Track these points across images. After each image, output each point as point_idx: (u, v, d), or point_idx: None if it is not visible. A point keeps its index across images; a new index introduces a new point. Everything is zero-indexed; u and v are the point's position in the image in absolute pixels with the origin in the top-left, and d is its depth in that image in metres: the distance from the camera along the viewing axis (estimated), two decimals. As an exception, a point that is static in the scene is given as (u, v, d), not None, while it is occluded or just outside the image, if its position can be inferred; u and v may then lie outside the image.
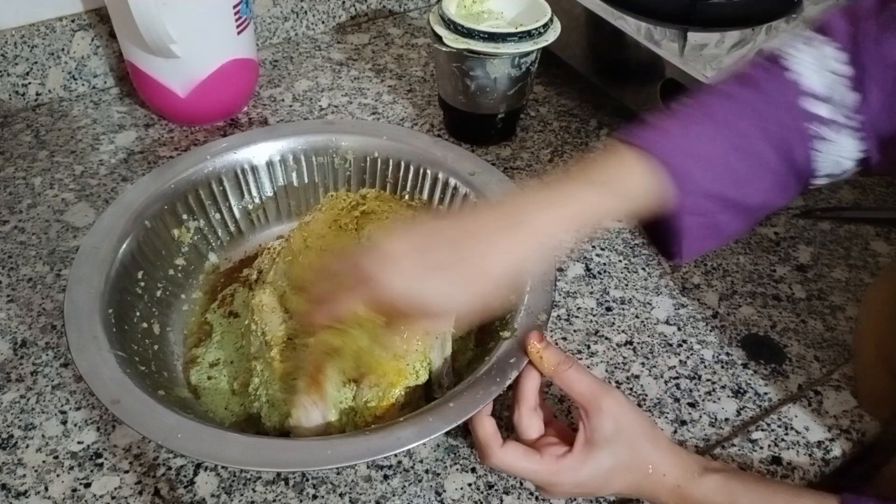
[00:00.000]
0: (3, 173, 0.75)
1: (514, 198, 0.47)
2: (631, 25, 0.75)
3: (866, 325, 0.58)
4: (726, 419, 0.57)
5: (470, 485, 0.52)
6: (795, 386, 0.60)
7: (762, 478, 0.53)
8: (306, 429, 0.49)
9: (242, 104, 0.84)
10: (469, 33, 0.70)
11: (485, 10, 0.78)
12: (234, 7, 0.74)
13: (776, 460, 0.54)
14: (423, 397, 0.53)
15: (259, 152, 0.66)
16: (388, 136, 0.67)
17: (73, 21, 0.80)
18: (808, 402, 0.58)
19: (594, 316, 0.64)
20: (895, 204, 0.77)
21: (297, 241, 0.60)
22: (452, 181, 0.65)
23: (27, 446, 0.53)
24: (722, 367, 0.61)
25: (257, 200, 0.67)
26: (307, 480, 0.52)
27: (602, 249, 0.70)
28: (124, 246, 0.57)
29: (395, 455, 0.53)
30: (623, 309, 0.65)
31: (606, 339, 0.62)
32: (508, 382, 0.48)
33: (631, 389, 0.59)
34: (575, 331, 0.63)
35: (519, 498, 0.52)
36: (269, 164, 0.66)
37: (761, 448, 0.55)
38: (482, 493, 0.52)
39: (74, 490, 0.51)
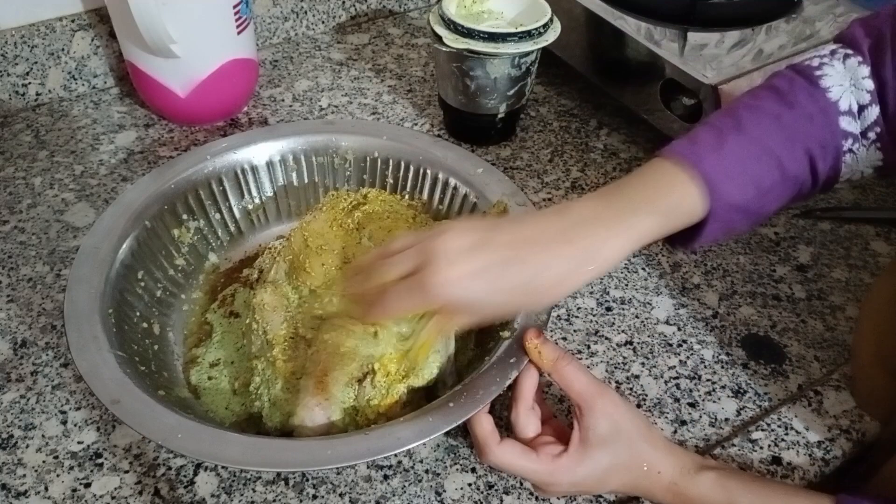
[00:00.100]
0: (3, 173, 0.75)
1: (576, 211, 0.46)
2: (631, 25, 0.75)
3: (866, 325, 0.58)
4: (726, 419, 0.57)
5: (470, 485, 0.52)
6: (795, 386, 0.60)
7: (758, 476, 0.53)
8: (311, 429, 0.49)
9: (242, 104, 0.84)
10: (469, 33, 0.70)
11: (485, 10, 0.78)
12: (234, 7, 0.74)
13: (776, 460, 0.54)
14: (423, 396, 0.53)
15: (259, 152, 0.66)
16: (388, 136, 0.67)
17: (73, 21, 0.80)
18: (808, 402, 0.58)
19: (594, 316, 0.64)
20: (895, 204, 0.77)
21: (298, 241, 0.60)
22: (452, 181, 0.65)
23: (27, 446, 0.53)
24: (722, 367, 0.61)
25: (257, 200, 0.67)
26: (307, 480, 0.52)
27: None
28: (124, 246, 0.57)
29: (395, 455, 0.53)
30: (623, 309, 0.65)
31: (606, 339, 0.62)
32: (508, 382, 0.48)
33: (631, 389, 0.59)
34: (575, 331, 0.63)
35: (519, 498, 0.52)
36: (269, 164, 0.66)
37: (761, 448, 0.55)
38: (482, 493, 0.52)
39: (74, 490, 0.51)
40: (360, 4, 1.00)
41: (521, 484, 0.52)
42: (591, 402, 0.47)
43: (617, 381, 0.59)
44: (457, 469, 0.53)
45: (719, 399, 0.58)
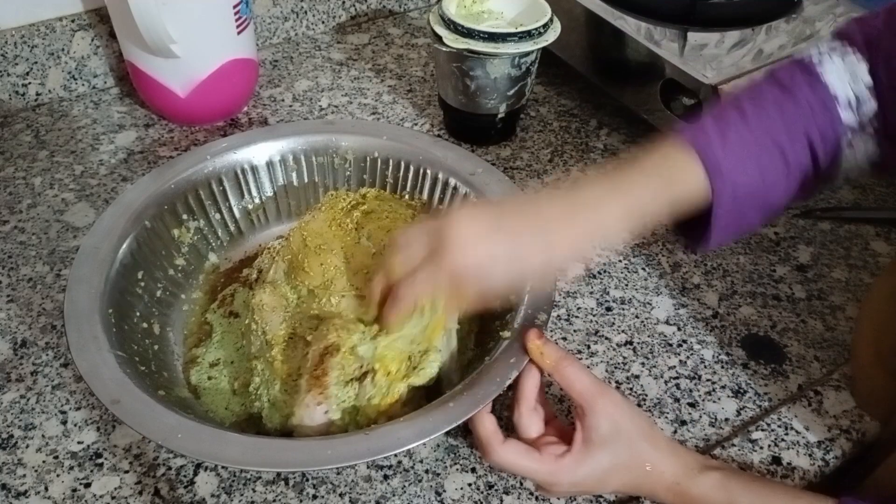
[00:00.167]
0: (3, 173, 0.75)
1: (577, 186, 0.49)
2: (631, 25, 0.75)
3: (866, 325, 0.58)
4: (726, 419, 0.57)
5: (470, 485, 0.52)
6: (795, 386, 0.60)
7: (761, 478, 0.53)
8: (310, 428, 0.49)
9: (242, 104, 0.84)
10: (469, 33, 0.70)
11: (485, 10, 0.79)
12: (234, 7, 0.74)
13: (776, 460, 0.54)
14: (424, 395, 0.53)
15: (259, 152, 0.66)
16: (388, 136, 0.67)
17: (73, 21, 0.80)
18: (808, 402, 0.58)
19: (594, 316, 0.64)
20: (895, 204, 0.77)
21: (297, 241, 0.60)
22: (452, 181, 0.65)
23: (27, 446, 0.53)
24: (722, 367, 0.61)
25: (257, 200, 0.67)
26: (307, 480, 0.52)
27: (602, 249, 0.70)
28: (124, 246, 0.56)
29: (395, 455, 0.53)
30: (623, 309, 0.65)
31: (606, 339, 0.62)
32: (508, 382, 0.48)
33: (631, 389, 0.59)
34: (575, 331, 0.63)
35: (519, 498, 0.52)
36: (269, 164, 0.66)
37: (761, 448, 0.55)
38: (482, 493, 0.52)
39: (74, 490, 0.51)
40: (360, 4, 1.00)
41: (521, 484, 0.52)
42: (593, 402, 0.47)
43: (617, 381, 0.59)
44: (457, 469, 0.53)
45: (719, 399, 0.58)
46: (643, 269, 0.69)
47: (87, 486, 0.51)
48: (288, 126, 0.70)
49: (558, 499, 0.52)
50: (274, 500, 0.51)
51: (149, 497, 0.51)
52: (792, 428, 0.56)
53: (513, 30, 0.70)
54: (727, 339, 0.63)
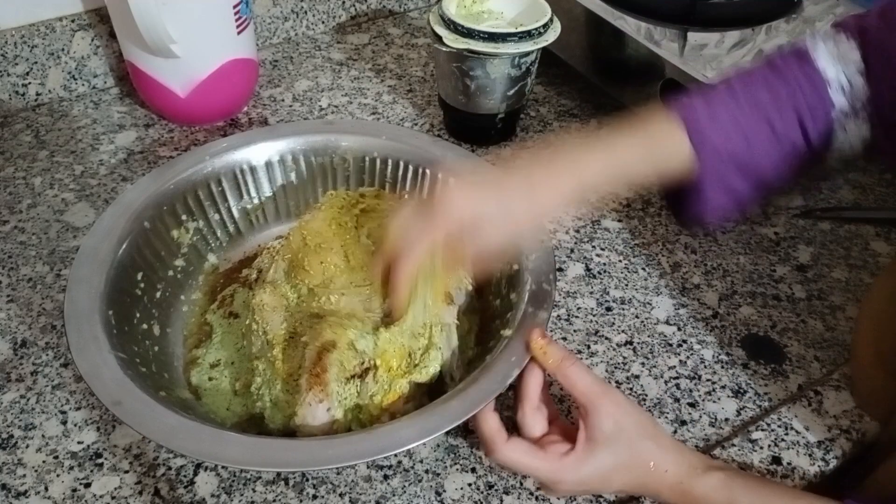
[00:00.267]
0: (3, 173, 0.75)
1: (561, 145, 0.51)
2: (631, 25, 0.75)
3: (865, 325, 0.58)
4: (726, 419, 0.57)
5: (470, 485, 0.52)
6: (795, 386, 0.60)
7: (764, 479, 0.53)
8: (313, 427, 0.49)
9: (242, 104, 0.84)
10: (469, 33, 0.70)
11: (485, 10, 0.79)
12: (234, 7, 0.74)
13: (776, 460, 0.54)
14: (426, 392, 0.53)
15: (258, 152, 0.66)
16: (388, 136, 0.67)
17: (73, 21, 0.80)
18: (808, 402, 0.58)
19: (594, 316, 0.64)
20: (895, 204, 0.77)
21: (297, 240, 0.60)
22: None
23: (27, 446, 0.53)
24: (722, 367, 0.61)
25: (256, 201, 0.67)
26: (307, 480, 0.52)
27: (602, 249, 0.70)
28: (124, 246, 0.56)
29: (395, 455, 0.53)
30: (623, 309, 0.65)
31: (606, 339, 0.62)
32: (509, 382, 0.48)
33: (631, 389, 0.59)
34: (575, 331, 0.63)
35: (519, 498, 0.52)
36: (269, 165, 0.66)
37: (761, 448, 0.55)
38: (482, 493, 0.52)
39: (74, 490, 0.51)
40: (360, 4, 1.00)
41: (522, 484, 0.52)
42: (596, 402, 0.47)
43: (617, 381, 0.59)
44: (457, 469, 0.53)
45: (719, 399, 0.58)
46: (643, 269, 0.69)
47: (87, 486, 0.51)
48: (288, 126, 0.70)
49: (558, 499, 0.52)
50: (274, 500, 0.51)
51: (149, 497, 0.51)
52: (792, 428, 0.56)
53: (513, 30, 0.70)
54: (727, 339, 0.63)
